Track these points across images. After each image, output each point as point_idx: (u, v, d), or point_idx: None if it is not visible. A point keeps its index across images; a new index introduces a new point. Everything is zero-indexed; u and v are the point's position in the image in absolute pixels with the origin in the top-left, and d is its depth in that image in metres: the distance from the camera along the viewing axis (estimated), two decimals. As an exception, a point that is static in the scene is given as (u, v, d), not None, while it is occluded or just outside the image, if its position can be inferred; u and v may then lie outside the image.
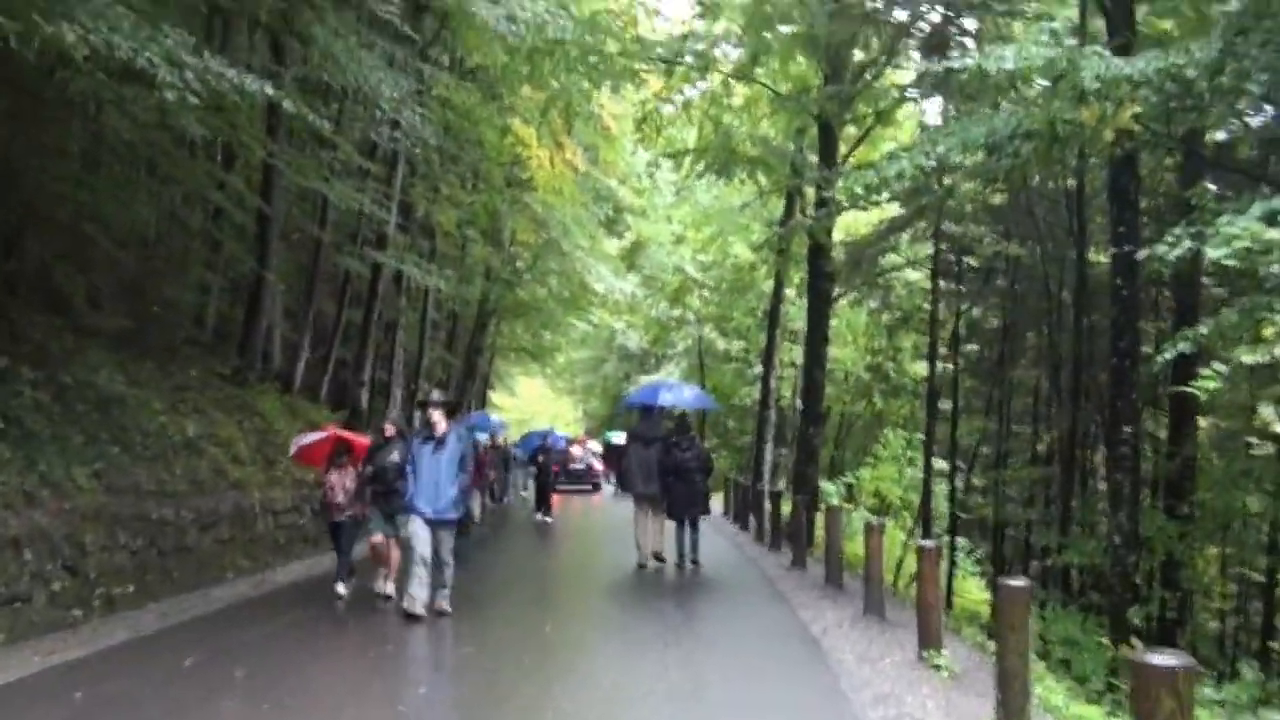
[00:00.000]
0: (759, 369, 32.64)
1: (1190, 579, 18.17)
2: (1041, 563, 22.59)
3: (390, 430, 11.88)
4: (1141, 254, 11.92)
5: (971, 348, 26.24)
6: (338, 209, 21.64)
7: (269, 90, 11.04)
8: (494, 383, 52.71)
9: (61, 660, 8.26)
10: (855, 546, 17.60)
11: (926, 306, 24.86)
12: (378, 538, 11.66)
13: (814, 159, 22.30)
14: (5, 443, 9.72)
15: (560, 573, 16.83)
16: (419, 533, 10.53)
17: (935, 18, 19.57)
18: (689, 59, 20.12)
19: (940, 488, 25.29)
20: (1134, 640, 13.09)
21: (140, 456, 12.01)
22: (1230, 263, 8.87)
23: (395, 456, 11.29)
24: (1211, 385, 10.14)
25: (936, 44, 19.28)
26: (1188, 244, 9.68)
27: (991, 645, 10.35)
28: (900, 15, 19.69)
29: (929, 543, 10.27)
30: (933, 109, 25.74)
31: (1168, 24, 16.23)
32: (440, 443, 10.69)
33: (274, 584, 13.17)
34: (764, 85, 22.87)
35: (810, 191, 22.66)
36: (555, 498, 26.19)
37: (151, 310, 16.35)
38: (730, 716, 7.42)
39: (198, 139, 15.79)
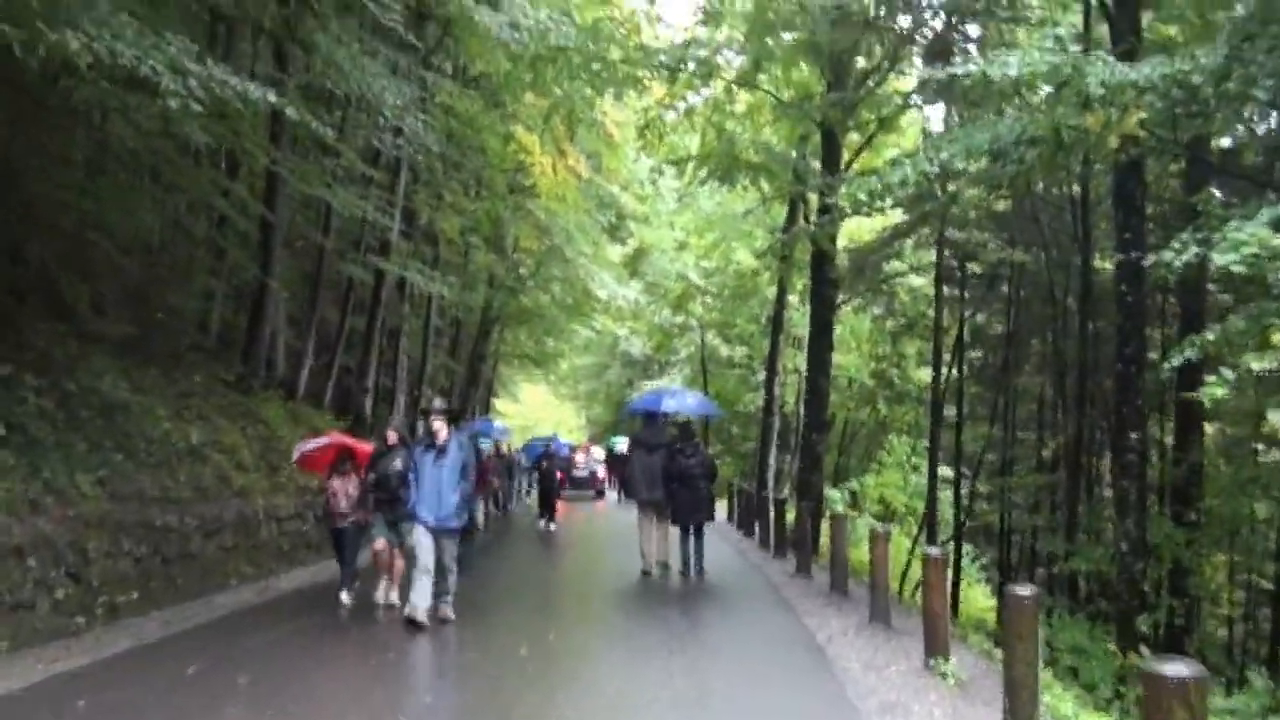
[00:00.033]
0: (762, 375, 32.61)
1: (1198, 586, 18.13)
2: (1048, 569, 22.54)
3: (393, 438, 11.85)
4: (1148, 260, 11.89)
5: (976, 354, 26.21)
6: (341, 216, 21.65)
7: (272, 98, 11.03)
8: (498, 389, 52.68)
9: (64, 668, 8.24)
10: (860, 553, 17.59)
11: (930, 313, 24.84)
12: (380, 544, 11.62)
13: (817, 165, 22.30)
14: (9, 450, 9.70)
15: (564, 580, 16.79)
16: (422, 541, 10.52)
17: (938, 24, 19.59)
18: (692, 66, 20.09)
19: (945, 494, 25.28)
20: (1142, 648, 13.07)
21: (144, 463, 11.99)
22: (1238, 269, 8.83)
23: (398, 464, 11.25)
24: (1219, 392, 10.10)
25: (939, 51, 19.29)
26: (1194, 250, 9.66)
27: (998, 653, 10.33)
28: (903, 22, 19.70)
29: (935, 550, 10.22)
30: (936, 116, 25.80)
31: (1172, 30, 16.24)
32: (442, 451, 10.67)
33: (278, 591, 13.15)
34: (767, 92, 22.87)
35: (813, 198, 22.64)
36: (559, 505, 26.14)
37: (155, 317, 16.34)
38: (735, 725, 7.39)
39: (201, 146, 15.81)
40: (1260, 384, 15.28)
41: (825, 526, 17.50)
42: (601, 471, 40.15)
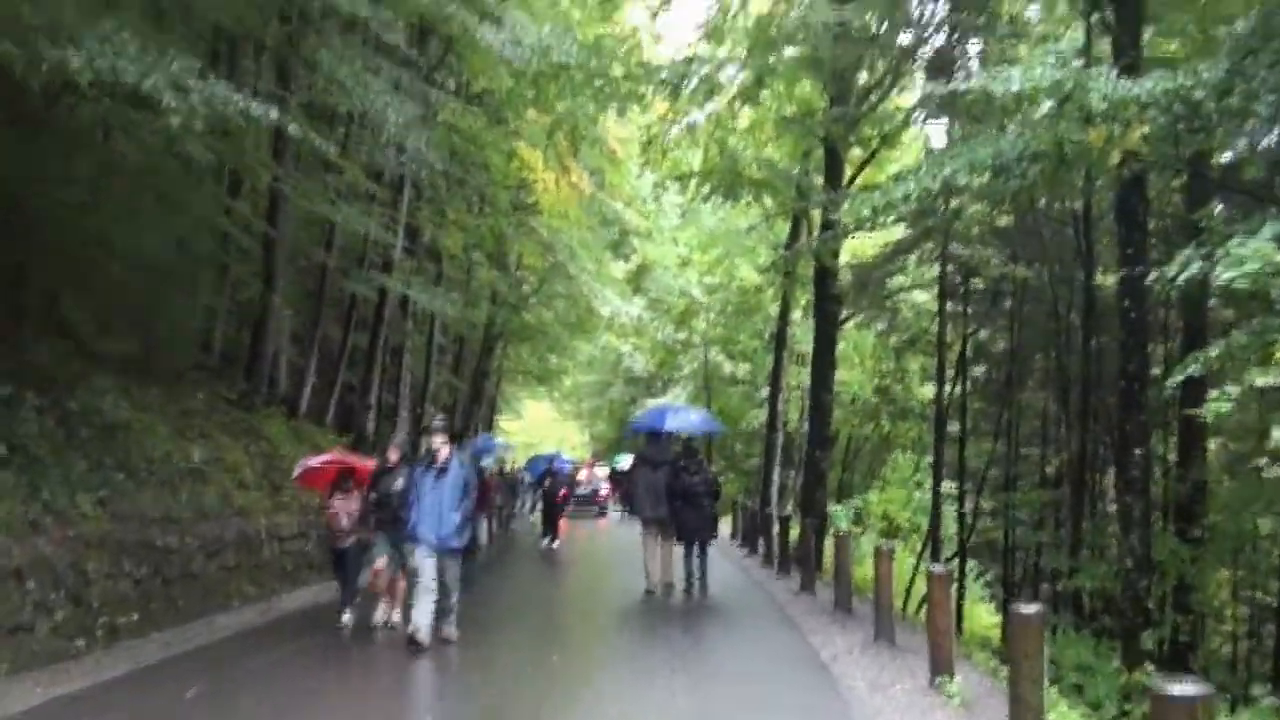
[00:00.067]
0: (766, 392, 32.58)
1: (1202, 603, 18.04)
2: (1052, 586, 22.46)
3: (395, 456, 11.79)
4: (1150, 276, 11.86)
5: (979, 370, 26.17)
6: (344, 233, 21.67)
7: (274, 115, 11.02)
8: (501, 406, 52.67)
9: (64, 691, 8.20)
10: (865, 570, 17.54)
11: (934, 328, 24.81)
12: (381, 564, 11.56)
13: (820, 181, 22.30)
14: (9, 470, 9.67)
15: (567, 599, 16.75)
16: (424, 560, 10.47)
17: (940, 41, 19.61)
18: (694, 82, 20.10)
19: (949, 510, 25.21)
20: (1147, 665, 13.00)
21: (145, 483, 11.95)
22: (1241, 285, 8.80)
23: (400, 483, 11.18)
24: (1223, 408, 10.07)
25: (941, 66, 19.31)
26: (1197, 266, 9.63)
27: (1003, 670, 10.27)
28: (905, 39, 19.73)
29: (939, 568, 10.18)
30: (938, 131, 25.81)
31: (1173, 45, 16.24)
32: (443, 470, 10.63)
33: (280, 611, 13.11)
34: (769, 108, 22.89)
35: (816, 214, 22.64)
36: (562, 523, 26.07)
37: (158, 335, 16.33)
38: (739, 746, 7.34)
39: (204, 164, 15.82)
40: (1263, 399, 15.22)
41: (829, 543, 17.43)
42: (604, 490, 40.10)
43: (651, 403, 42.42)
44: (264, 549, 14.44)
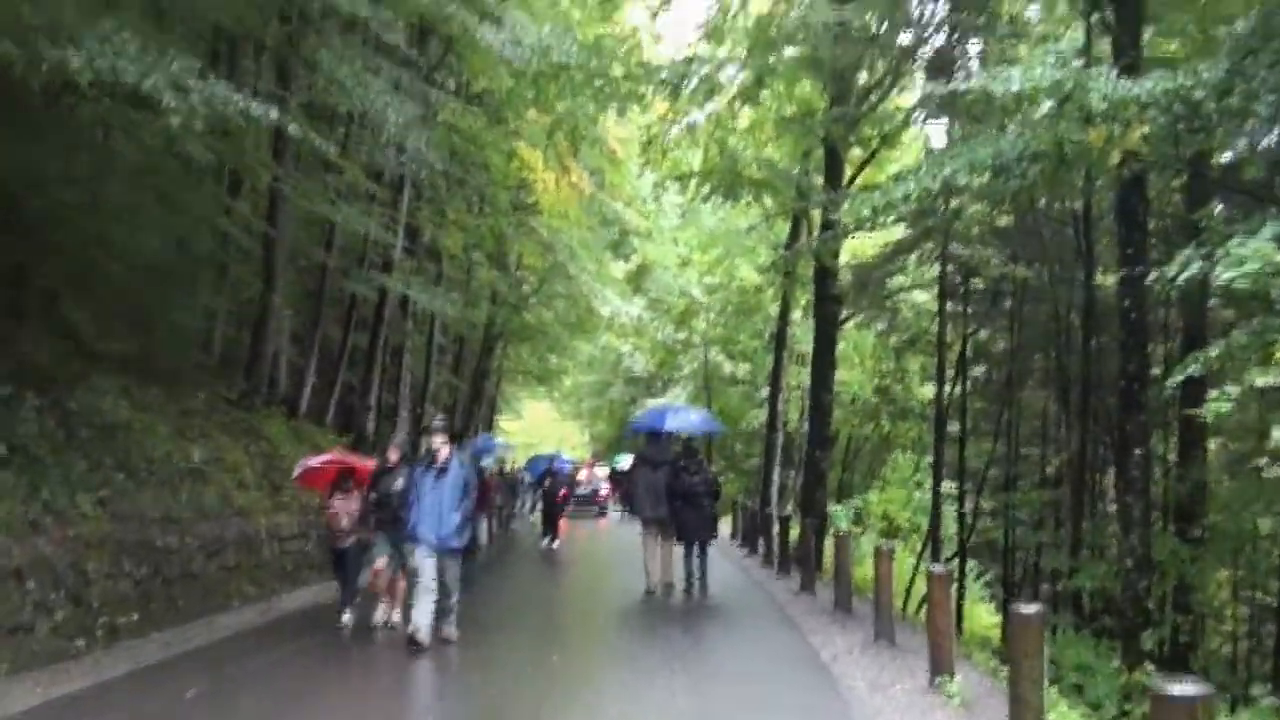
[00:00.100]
0: (766, 392, 32.57)
1: (1202, 603, 18.05)
2: (1052, 586, 22.46)
3: (395, 456, 11.78)
4: (1151, 276, 11.86)
5: (979, 370, 26.17)
6: (344, 233, 21.66)
7: (274, 115, 11.02)
8: (501, 407, 52.67)
9: (64, 691, 8.19)
10: (865, 570, 17.54)
11: (934, 328, 24.81)
12: (381, 565, 11.55)
13: (819, 181, 22.32)
14: (9, 470, 9.66)
15: (567, 599, 16.75)
16: (424, 561, 10.46)
17: (940, 40, 19.61)
18: (694, 82, 20.10)
19: (949, 510, 25.20)
20: (1147, 665, 12.99)
21: (145, 483, 11.95)
22: (1241, 285, 8.80)
23: (400, 483, 11.16)
24: (1223, 408, 10.07)
25: (941, 66, 19.31)
26: (1197, 266, 9.63)
27: (1003, 670, 10.27)
28: (905, 39, 19.73)
29: (939, 568, 10.18)
30: (938, 131, 25.81)
31: (1173, 45, 16.24)
32: (443, 470, 10.61)
33: (280, 611, 13.10)
34: (769, 108, 22.89)
35: (816, 214, 22.64)
36: (562, 523, 26.08)
37: (158, 335, 16.32)
38: (739, 746, 7.34)
39: (204, 164, 15.82)
40: (1263, 399, 15.21)
41: (829, 543, 17.43)
42: (604, 490, 40.10)
43: (651, 403, 42.43)
44: (264, 549, 14.44)
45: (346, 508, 11.56)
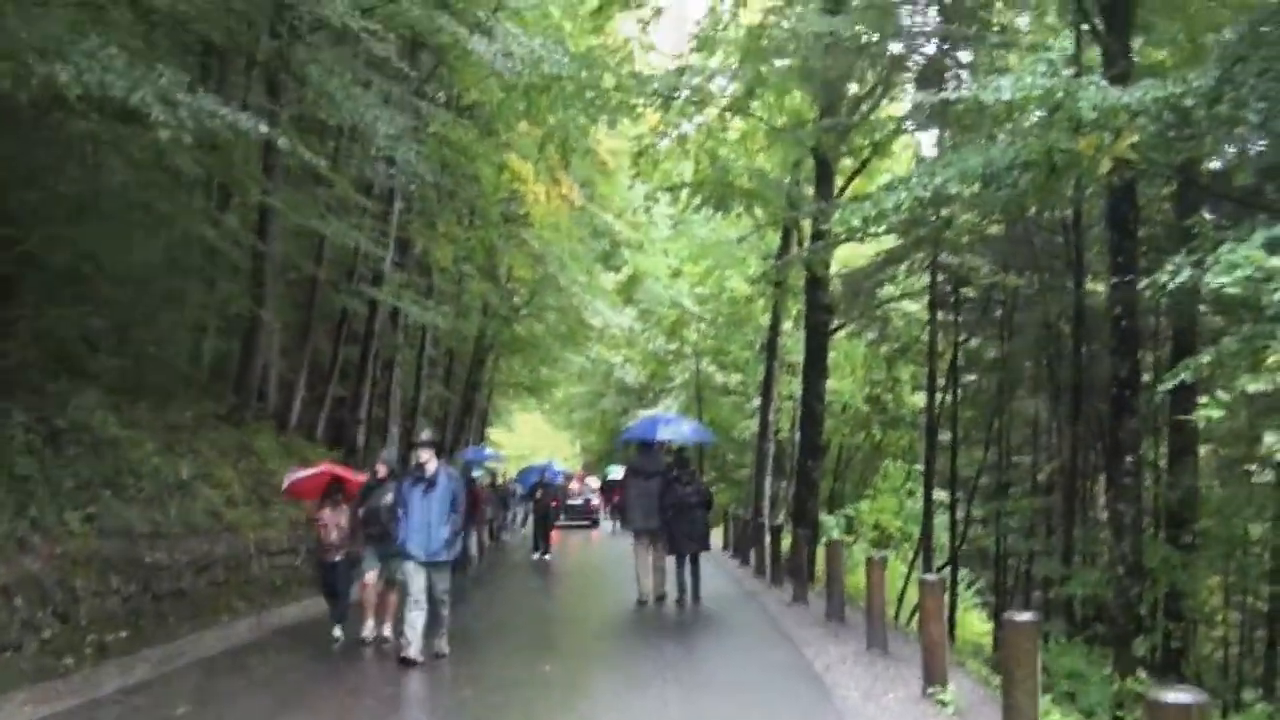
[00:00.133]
0: (757, 402, 32.55)
1: (1194, 609, 18.04)
2: (1044, 593, 22.44)
3: (383, 471, 11.73)
4: (1142, 283, 11.87)
5: (970, 378, 26.17)
6: (334, 246, 21.62)
7: (264, 128, 11.01)
8: (492, 419, 52.61)
9: (52, 710, 8.13)
10: (857, 579, 17.49)
11: (924, 337, 24.82)
12: (369, 578, 11.50)
13: (810, 191, 22.35)
14: (-4, 487, 9.62)
15: (559, 611, 16.69)
16: (413, 576, 10.41)
17: (930, 50, 19.65)
18: (685, 93, 20.15)
19: (941, 519, 25.19)
20: (1139, 672, 12.99)
21: (134, 499, 11.90)
22: (1233, 291, 8.81)
23: (389, 498, 11.09)
24: (1215, 414, 10.08)
25: (932, 76, 19.34)
26: (1188, 272, 9.64)
27: (996, 678, 10.25)
28: (895, 48, 19.76)
29: (931, 577, 10.17)
30: (928, 140, 25.84)
31: (1162, 53, 16.28)
32: (431, 483, 10.56)
33: (270, 626, 13.01)
34: (760, 119, 22.92)
35: (807, 224, 22.66)
36: (554, 534, 26.02)
37: (147, 350, 16.27)
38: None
39: (194, 178, 15.78)
40: (1252, 405, 15.22)
41: (821, 553, 17.40)
42: (596, 500, 40.06)
43: (643, 413, 42.39)
44: (253, 564, 14.39)
45: (335, 520, 11.51)
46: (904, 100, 22.69)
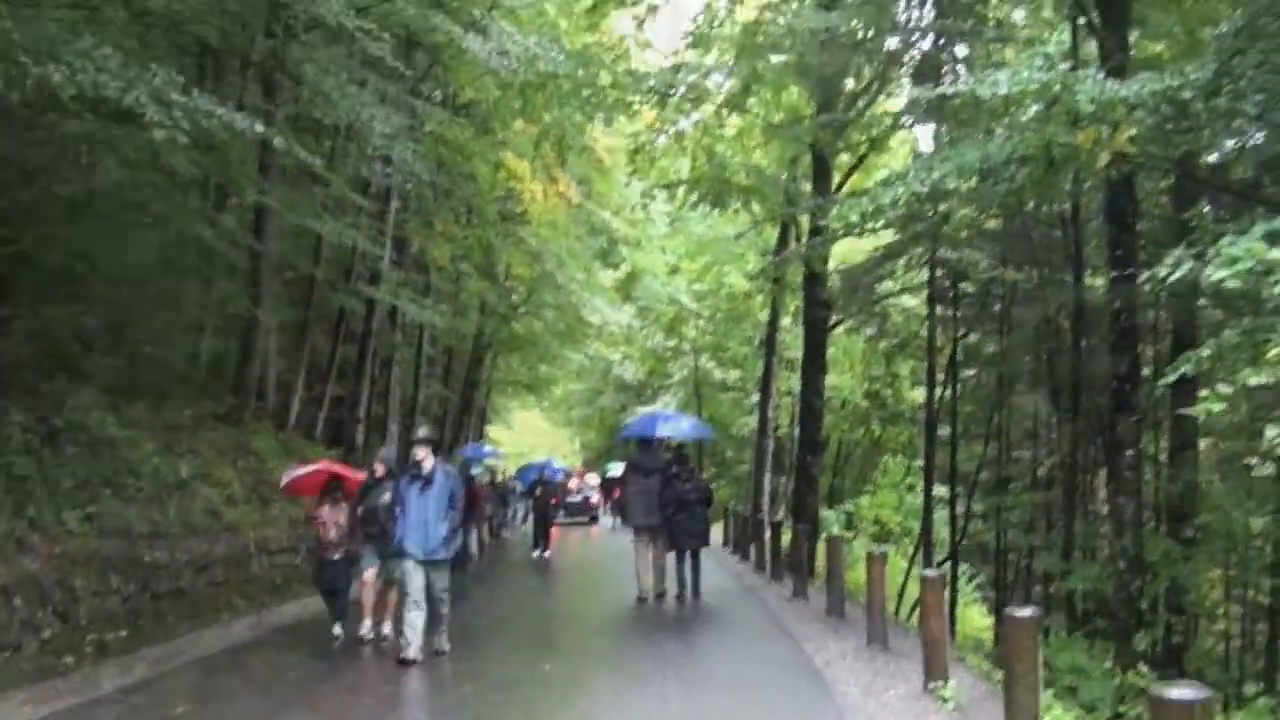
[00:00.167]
0: (756, 398, 32.54)
1: (1194, 603, 18.03)
2: (1044, 588, 22.43)
3: (381, 470, 11.71)
4: (1141, 277, 11.86)
5: (969, 373, 26.16)
6: (332, 245, 21.59)
7: (259, 128, 10.99)
8: (491, 416, 52.58)
9: (52, 709, 8.11)
10: (857, 575, 17.48)
11: (923, 333, 24.81)
12: (368, 576, 11.48)
13: (808, 187, 22.34)
14: (-5, 488, 9.60)
15: (558, 608, 16.68)
16: (412, 575, 10.38)
17: (926, 45, 19.63)
18: (681, 90, 20.13)
19: (941, 514, 25.17)
20: (1140, 666, 12.98)
21: (133, 499, 11.88)
22: (1233, 284, 8.79)
23: (387, 497, 11.07)
24: (1216, 407, 10.06)
25: (928, 71, 19.32)
26: (1189, 266, 9.61)
27: (997, 673, 10.24)
28: (891, 44, 19.74)
29: (932, 572, 10.15)
30: (925, 135, 25.83)
31: (1158, 46, 16.26)
32: (428, 481, 10.53)
33: (270, 625, 12.99)
34: (757, 115, 22.89)
35: (805, 220, 22.65)
36: (554, 531, 26.02)
37: (143, 350, 16.25)
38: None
39: (190, 178, 15.75)
40: (1252, 398, 15.20)
41: (821, 548, 17.39)
42: (595, 497, 40.10)
43: (642, 410, 42.38)
44: (253, 563, 14.38)
45: (334, 518, 11.49)
46: (901, 96, 22.68)
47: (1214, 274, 9.05)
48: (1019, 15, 20.03)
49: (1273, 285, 8.53)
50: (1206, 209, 14.94)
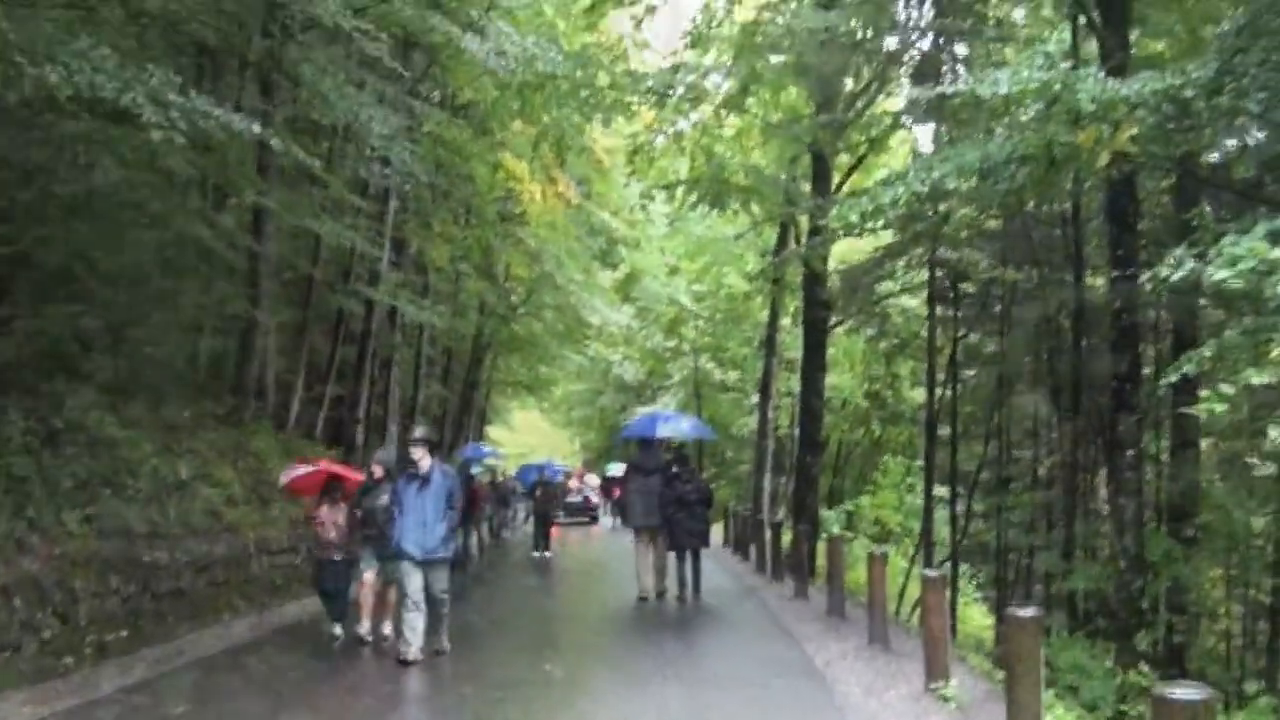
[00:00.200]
0: (756, 398, 32.52)
1: (1196, 602, 18.01)
2: (1045, 587, 22.41)
3: (379, 472, 11.69)
4: (1143, 277, 11.85)
5: (970, 373, 26.13)
6: (331, 246, 21.56)
7: (257, 128, 10.97)
8: (491, 417, 52.55)
9: (51, 711, 8.09)
10: (857, 575, 17.48)
11: (923, 333, 24.78)
12: (368, 577, 11.46)
13: (807, 188, 22.30)
14: (-6, 488, 9.58)
15: (559, 608, 16.66)
16: (410, 576, 10.36)
17: (926, 45, 19.62)
18: (680, 91, 20.10)
19: (941, 514, 25.15)
20: (1142, 665, 12.96)
21: (132, 499, 11.85)
22: (1235, 284, 8.77)
23: (385, 499, 11.06)
24: (1218, 408, 10.05)
25: (928, 71, 19.30)
26: (1190, 265, 9.59)
27: (998, 673, 10.22)
28: (891, 43, 19.73)
29: (933, 572, 10.13)
30: (925, 135, 25.81)
31: (1160, 45, 16.25)
32: (425, 481, 10.51)
33: (270, 625, 12.98)
34: (756, 115, 22.87)
35: (804, 220, 22.63)
36: (554, 531, 26.02)
37: (142, 350, 16.21)
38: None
39: (188, 179, 15.72)
40: (1253, 397, 15.18)
41: (821, 549, 17.38)
42: (595, 497, 40.17)
43: (642, 410, 42.37)
44: (253, 563, 14.35)
45: (333, 518, 11.48)
46: (900, 95, 22.65)
47: (1215, 274, 9.03)
48: (1019, 14, 20.01)
49: (1275, 285, 8.52)
50: (1208, 208, 14.92)
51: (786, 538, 17.99)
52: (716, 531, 23.36)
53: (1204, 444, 19.80)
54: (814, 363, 21.62)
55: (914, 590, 20.38)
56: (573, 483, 39.51)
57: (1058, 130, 10.95)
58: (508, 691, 9.17)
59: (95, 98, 9.10)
